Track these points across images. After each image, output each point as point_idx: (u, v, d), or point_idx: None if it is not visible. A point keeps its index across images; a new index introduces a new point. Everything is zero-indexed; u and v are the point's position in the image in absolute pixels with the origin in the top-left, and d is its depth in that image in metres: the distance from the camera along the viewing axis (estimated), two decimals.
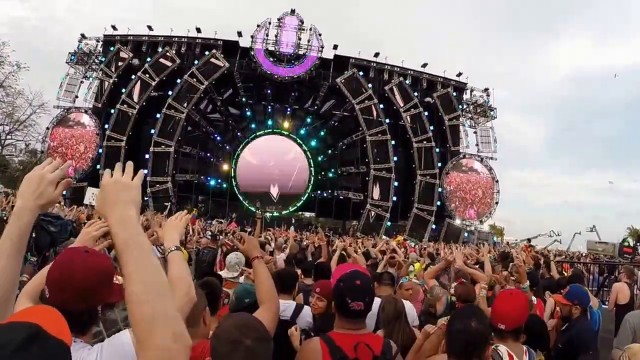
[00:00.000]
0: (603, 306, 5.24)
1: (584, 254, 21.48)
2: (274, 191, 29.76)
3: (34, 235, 3.74)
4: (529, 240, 28.29)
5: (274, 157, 30.06)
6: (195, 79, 27.32)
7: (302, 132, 30.77)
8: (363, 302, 2.00)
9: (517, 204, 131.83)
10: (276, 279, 3.38)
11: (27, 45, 71.99)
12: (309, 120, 31.15)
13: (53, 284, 1.34)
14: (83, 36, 28.43)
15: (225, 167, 30.22)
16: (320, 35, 28.42)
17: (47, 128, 27.94)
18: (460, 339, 1.81)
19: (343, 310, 2.03)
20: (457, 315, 1.98)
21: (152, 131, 26.98)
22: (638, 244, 15.34)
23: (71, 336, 0.99)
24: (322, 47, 28.38)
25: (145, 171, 25.73)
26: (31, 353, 0.70)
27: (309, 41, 28.33)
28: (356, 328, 2.04)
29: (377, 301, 2.77)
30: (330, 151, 32.10)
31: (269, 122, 30.52)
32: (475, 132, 31.91)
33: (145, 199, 26.02)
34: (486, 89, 31.43)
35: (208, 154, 30.06)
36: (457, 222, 29.28)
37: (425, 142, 28.65)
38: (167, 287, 0.95)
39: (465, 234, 29.34)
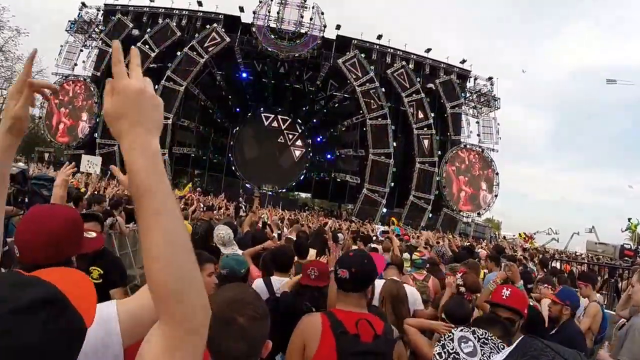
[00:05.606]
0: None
1: (581, 255, 19.58)
2: (271, 169, 27.56)
3: (27, 200, 3.32)
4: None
5: (272, 135, 27.89)
6: (195, 53, 25.17)
7: (301, 111, 28.42)
8: (348, 270, 1.80)
9: (516, 198, 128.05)
10: (271, 258, 3.14)
11: (27, 15, 69.34)
12: (308, 99, 28.71)
13: (22, 239, 1.14)
14: (84, 4, 26.25)
15: (223, 142, 28.04)
16: (322, 14, 25.95)
17: None
18: None
19: (336, 282, 1.86)
20: None
21: None
22: None
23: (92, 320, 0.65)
24: (325, 27, 25.92)
25: None
26: (34, 319, 0.49)
27: (311, 19, 25.85)
28: (357, 306, 1.82)
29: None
30: (329, 132, 29.69)
31: (269, 100, 28.18)
32: (477, 122, 29.31)
33: None
34: (490, 78, 28.69)
35: (206, 129, 27.84)
36: (454, 212, 26.86)
37: (426, 129, 26.26)
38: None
39: (462, 226, 27.10)
